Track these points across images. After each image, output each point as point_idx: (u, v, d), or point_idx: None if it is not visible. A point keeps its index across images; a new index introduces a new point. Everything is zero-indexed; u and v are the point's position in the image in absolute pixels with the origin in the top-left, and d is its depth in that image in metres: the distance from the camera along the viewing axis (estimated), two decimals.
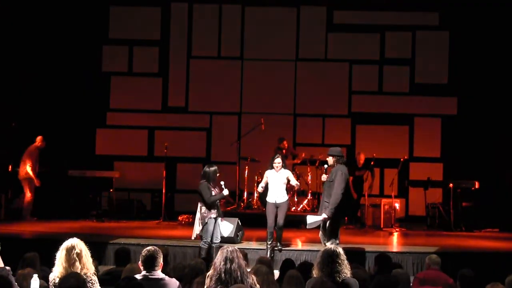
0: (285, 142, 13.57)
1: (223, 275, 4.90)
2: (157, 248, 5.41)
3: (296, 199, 13.11)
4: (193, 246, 9.69)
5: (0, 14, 13.33)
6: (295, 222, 11.49)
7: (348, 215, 12.33)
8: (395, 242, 11.40)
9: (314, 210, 12.13)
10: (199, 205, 9.04)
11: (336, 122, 14.67)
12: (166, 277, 5.35)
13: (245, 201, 13.09)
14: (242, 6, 14.87)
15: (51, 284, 5.16)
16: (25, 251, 6.57)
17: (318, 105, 14.59)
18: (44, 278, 5.48)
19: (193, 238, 9.25)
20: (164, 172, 13.30)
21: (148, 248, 5.39)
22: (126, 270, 6.03)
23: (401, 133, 14.60)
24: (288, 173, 9.60)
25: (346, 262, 5.04)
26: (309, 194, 13.29)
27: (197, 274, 5.89)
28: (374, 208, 13.11)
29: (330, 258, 4.96)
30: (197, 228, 9.05)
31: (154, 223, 12.81)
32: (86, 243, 5.38)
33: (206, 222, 8.92)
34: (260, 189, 9.74)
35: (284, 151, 13.19)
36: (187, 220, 12.93)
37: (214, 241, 8.95)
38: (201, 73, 14.84)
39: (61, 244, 5.26)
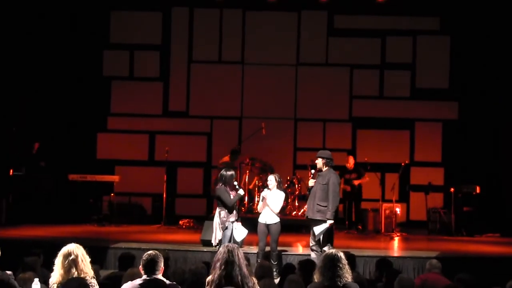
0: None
1: (223, 279, 4.88)
2: (158, 252, 5.40)
3: (297, 204, 13.09)
4: (194, 251, 9.67)
5: (1, 19, 13.33)
6: (295, 226, 11.47)
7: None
8: (396, 247, 11.39)
9: None
10: (217, 210, 8.87)
11: (337, 127, 14.66)
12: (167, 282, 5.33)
13: (246, 205, 13.08)
14: (243, 10, 14.87)
15: None
16: (26, 256, 6.57)
17: (319, 110, 14.58)
18: (44, 282, 5.48)
19: (214, 244, 8.91)
20: (165, 176, 13.32)
21: (149, 252, 5.37)
22: (127, 274, 6.02)
23: (402, 137, 14.59)
24: (281, 196, 9.08)
25: (347, 266, 5.02)
26: None
27: (198, 278, 5.88)
28: (375, 212, 13.11)
29: (331, 262, 4.94)
30: (218, 234, 8.77)
31: (155, 227, 12.80)
32: (87, 247, 5.38)
33: (227, 227, 8.77)
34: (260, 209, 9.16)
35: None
36: (187, 224, 12.94)
37: None
38: (202, 77, 14.84)
39: (61, 248, 5.26)
